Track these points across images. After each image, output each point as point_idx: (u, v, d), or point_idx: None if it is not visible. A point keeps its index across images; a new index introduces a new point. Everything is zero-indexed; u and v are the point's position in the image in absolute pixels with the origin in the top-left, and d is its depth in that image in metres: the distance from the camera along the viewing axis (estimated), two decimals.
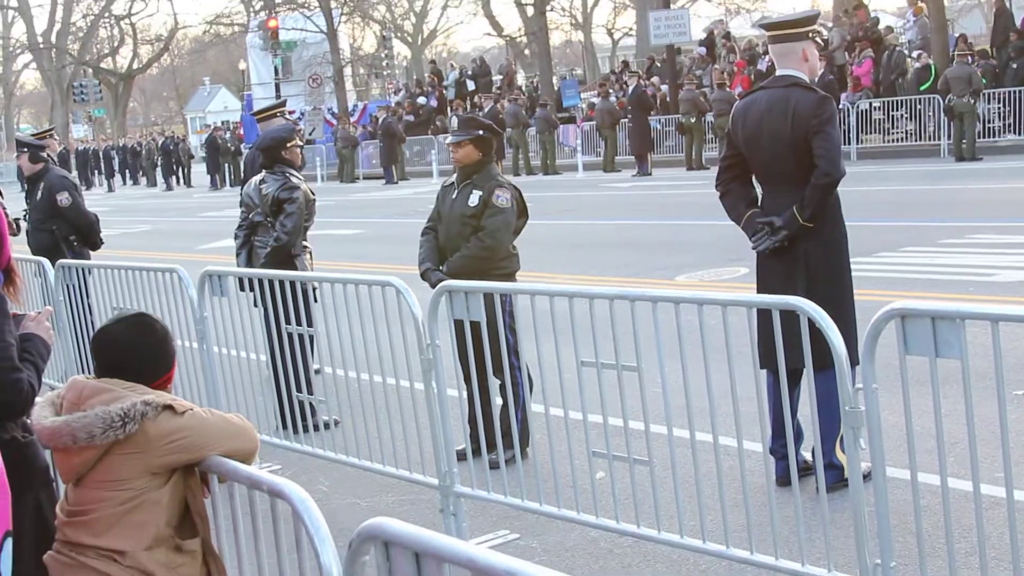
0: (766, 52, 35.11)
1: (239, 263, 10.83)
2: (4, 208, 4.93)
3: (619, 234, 21.80)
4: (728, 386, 5.90)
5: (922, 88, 32.49)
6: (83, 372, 9.42)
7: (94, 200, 44.09)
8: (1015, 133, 31.54)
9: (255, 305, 9.12)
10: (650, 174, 35.64)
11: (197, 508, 4.51)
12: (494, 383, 7.87)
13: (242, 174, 13.21)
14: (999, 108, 31.95)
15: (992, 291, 12.71)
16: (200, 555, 4.50)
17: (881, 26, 38.06)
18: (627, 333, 6.20)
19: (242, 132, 55.88)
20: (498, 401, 8.06)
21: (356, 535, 3.25)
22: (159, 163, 61.00)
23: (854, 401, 5.35)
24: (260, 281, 8.72)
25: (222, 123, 64.17)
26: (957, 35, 35.45)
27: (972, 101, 30.01)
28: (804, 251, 7.62)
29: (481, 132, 8.96)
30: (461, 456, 7.81)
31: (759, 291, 7.70)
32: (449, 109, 47.49)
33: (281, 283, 8.36)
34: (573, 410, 6.79)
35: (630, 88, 39.35)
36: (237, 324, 9.03)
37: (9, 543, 3.88)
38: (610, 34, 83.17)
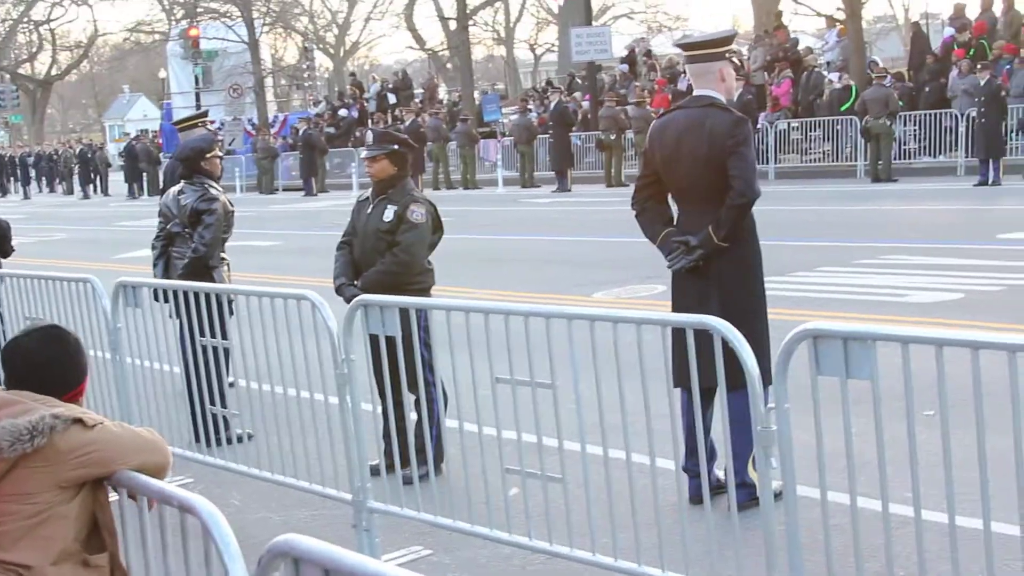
0: (685, 71, 35.34)
1: (156, 273, 10.75)
2: None
3: (537, 250, 21.84)
4: (642, 404, 5.92)
5: (843, 109, 32.80)
6: None
7: (9, 207, 43.71)
8: (930, 155, 31.91)
9: (171, 316, 9.05)
10: (570, 190, 35.76)
11: (106, 523, 4.47)
12: (409, 398, 7.85)
13: (161, 184, 13.13)
14: (915, 130, 32.32)
15: (904, 311, 12.85)
16: (108, 570, 4.47)
17: (800, 47, 38.40)
18: (542, 350, 6.21)
19: (161, 141, 55.50)
20: (413, 416, 8.05)
21: (266, 551, 3.23)
22: (76, 171, 60.43)
23: (766, 421, 5.38)
24: (175, 293, 8.66)
25: (141, 132, 63.69)
26: (871, 59, 35.92)
27: (888, 123, 30.35)
28: (719, 270, 7.67)
29: (396, 147, 8.93)
30: (375, 471, 7.79)
31: (674, 309, 7.75)
32: (370, 121, 47.42)
33: (196, 295, 8.31)
34: (488, 426, 6.79)
35: (552, 104, 39.47)
36: (151, 335, 8.96)
37: None
38: (532, 50, 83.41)
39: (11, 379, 4.52)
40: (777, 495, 5.74)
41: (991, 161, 27.33)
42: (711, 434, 6.60)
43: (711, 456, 6.31)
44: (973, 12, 34.50)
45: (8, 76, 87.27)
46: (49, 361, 4.52)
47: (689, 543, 5.84)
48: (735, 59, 8.11)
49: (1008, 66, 30.69)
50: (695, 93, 7.99)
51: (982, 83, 28.06)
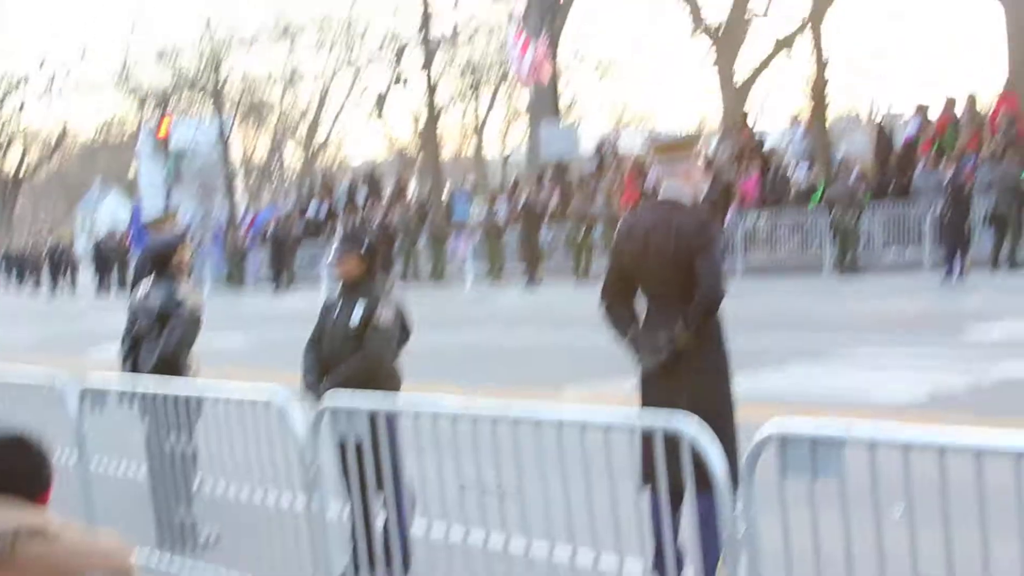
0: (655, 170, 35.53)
1: (124, 370, 10.70)
2: None
3: (507, 344, 21.86)
4: (609, 506, 5.91)
5: (811, 205, 33.06)
6: None
7: None
8: (899, 243, 32.11)
9: (142, 418, 8.99)
10: (539, 283, 35.84)
11: None
12: (378, 499, 7.82)
13: (130, 280, 13.12)
14: (884, 222, 32.53)
15: (872, 408, 12.86)
16: None
17: (766, 147, 38.72)
18: (509, 454, 6.20)
19: (129, 241, 55.46)
20: (380, 521, 8.01)
21: None
22: (46, 268, 60.39)
23: (734, 524, 5.38)
24: (143, 395, 8.61)
25: (108, 233, 63.67)
26: (840, 155, 36.25)
27: (855, 217, 30.57)
28: (687, 369, 7.67)
29: (365, 246, 8.94)
30: None
31: (642, 406, 7.75)
32: (342, 218, 47.47)
33: (164, 398, 8.28)
34: (456, 528, 6.76)
35: (520, 200, 39.66)
36: (117, 437, 8.92)
37: None
38: (502, 145, 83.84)
39: None
40: None
41: (957, 255, 27.53)
42: (680, 537, 6.59)
43: (680, 559, 6.29)
44: (936, 113, 34.95)
45: None
46: (14, 468, 4.49)
47: None
48: (701, 159, 8.15)
49: (971, 161, 31.01)
50: (661, 192, 8.04)
51: (946, 179, 28.34)
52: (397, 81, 68.30)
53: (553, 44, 43.22)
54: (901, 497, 4.87)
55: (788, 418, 5.33)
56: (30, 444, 4.61)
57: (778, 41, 43.07)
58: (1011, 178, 28.91)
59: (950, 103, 34.50)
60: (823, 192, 32.44)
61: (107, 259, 53.78)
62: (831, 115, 43.19)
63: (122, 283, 50.17)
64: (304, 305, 32.79)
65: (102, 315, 36.83)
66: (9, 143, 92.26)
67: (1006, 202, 28.58)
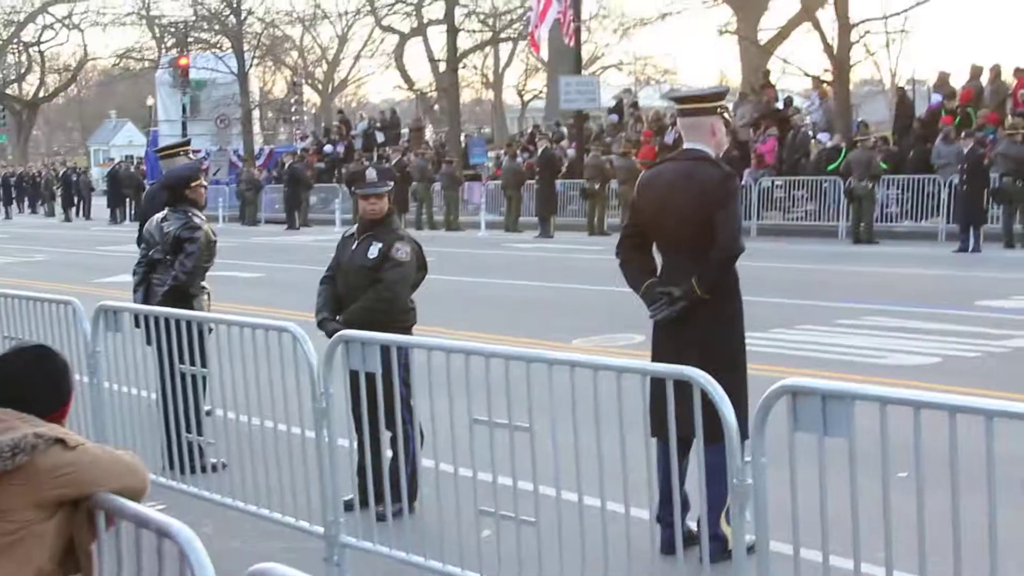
0: (673, 124, 35.46)
1: (136, 299, 10.73)
2: None
3: (518, 294, 21.88)
4: (618, 451, 5.94)
5: (830, 168, 32.94)
6: None
7: None
8: (912, 219, 32.05)
9: (148, 343, 9.05)
10: (552, 237, 35.81)
11: (82, 544, 4.47)
12: (386, 435, 7.85)
13: (143, 209, 13.13)
14: (898, 194, 32.46)
15: (882, 373, 12.88)
16: None
17: (786, 110, 38.54)
18: (521, 393, 6.23)
19: (145, 168, 55.44)
20: (388, 453, 8.05)
21: None
22: (59, 193, 60.36)
23: (742, 475, 5.41)
24: (156, 319, 8.66)
25: (125, 157, 63.66)
26: (859, 120, 36.08)
27: (871, 185, 30.51)
28: (700, 323, 7.70)
29: (392, 184, 9.01)
30: (348, 507, 7.78)
31: (653, 360, 7.77)
32: (363, 160, 47.41)
33: (177, 322, 8.32)
34: (463, 467, 6.80)
35: (538, 150, 39.59)
36: (130, 360, 8.96)
37: None
38: (520, 95, 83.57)
39: None
40: (749, 549, 5.76)
41: (972, 228, 27.47)
42: (686, 485, 6.62)
43: (685, 507, 6.32)
44: (958, 80, 34.70)
45: None
46: (35, 381, 4.54)
47: None
48: (726, 115, 8.16)
49: (992, 135, 30.87)
50: (685, 146, 8.04)
51: (965, 151, 28.23)
52: (418, 26, 68.16)
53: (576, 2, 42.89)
54: (909, 458, 4.89)
55: (801, 373, 5.36)
56: (50, 359, 4.67)
57: (802, 3, 42.79)
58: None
59: (976, 71, 34.22)
60: (843, 158, 32.32)
61: (122, 187, 53.74)
62: (853, 80, 43.04)
63: (136, 211, 50.19)
64: (317, 242, 32.86)
65: (116, 242, 36.89)
66: (28, 69, 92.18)
67: (1013, 178, 28.40)
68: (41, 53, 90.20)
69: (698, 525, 6.44)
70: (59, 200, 60.27)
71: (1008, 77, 33.92)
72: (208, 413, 9.29)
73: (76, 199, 58.93)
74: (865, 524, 5.17)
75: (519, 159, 40.46)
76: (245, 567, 3.34)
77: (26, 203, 66.57)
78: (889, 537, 5.03)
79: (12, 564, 4.32)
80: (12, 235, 43.08)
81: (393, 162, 41.27)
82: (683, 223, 7.76)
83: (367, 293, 8.72)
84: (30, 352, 4.68)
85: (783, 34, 50.92)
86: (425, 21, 67.26)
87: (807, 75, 42.53)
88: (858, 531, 5.11)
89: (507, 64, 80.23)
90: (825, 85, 38.37)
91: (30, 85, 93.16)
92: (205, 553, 3.81)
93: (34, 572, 4.33)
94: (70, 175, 59.92)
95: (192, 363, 8.23)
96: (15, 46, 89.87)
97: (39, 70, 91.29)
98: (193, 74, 59.34)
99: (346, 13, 75.50)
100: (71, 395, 4.68)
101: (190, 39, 64.29)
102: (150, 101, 72.52)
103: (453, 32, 56.07)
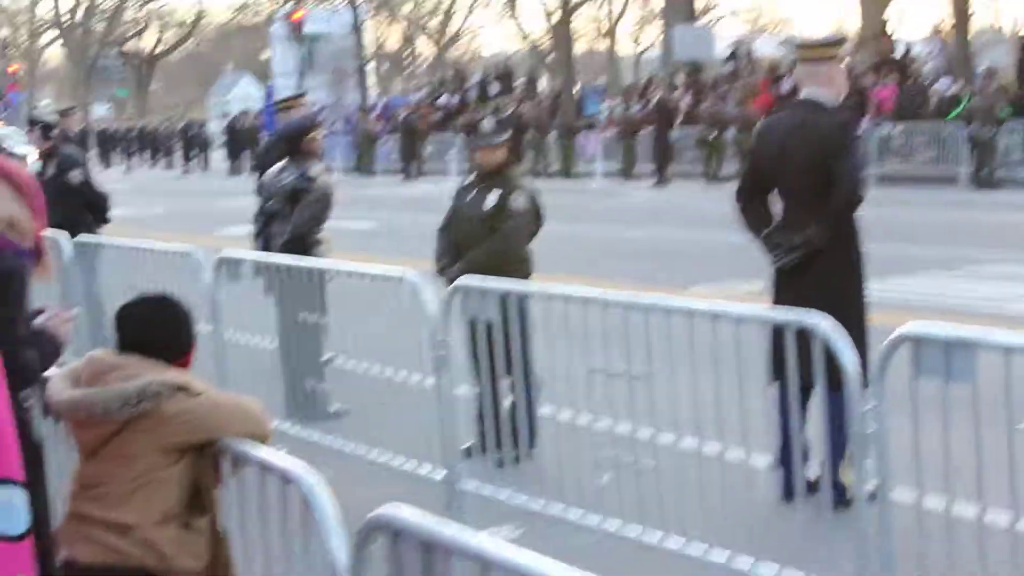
0: (789, 72, 35.10)
1: (256, 247, 10.84)
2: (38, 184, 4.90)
3: (634, 243, 21.81)
4: (738, 399, 5.92)
5: (951, 116, 32.44)
6: (93, 348, 9.44)
7: (112, 179, 44.17)
8: None
9: (267, 292, 9.15)
10: (668, 184, 35.64)
11: (207, 489, 4.53)
12: (504, 382, 7.88)
13: (261, 161, 13.26)
14: (1021, 141, 31.87)
15: (1004, 322, 12.70)
16: (208, 534, 4.53)
17: (905, 57, 37.99)
18: (639, 341, 6.22)
19: (262, 121, 55.89)
20: (507, 400, 8.08)
21: (366, 523, 3.28)
22: (178, 146, 61.09)
23: (863, 422, 5.37)
24: (275, 268, 8.74)
25: (243, 111, 64.18)
26: (983, 67, 35.44)
27: (994, 132, 30.00)
28: (820, 270, 7.63)
29: (509, 134, 9.00)
30: (468, 453, 7.83)
31: (774, 304, 7.72)
32: (479, 111, 47.42)
33: (296, 271, 8.40)
34: (582, 414, 6.81)
35: (653, 100, 39.39)
36: (250, 309, 9.07)
37: (17, 492, 3.70)
38: (635, 44, 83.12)
39: (122, 344, 4.60)
40: (871, 497, 5.73)
41: None
42: (805, 432, 6.59)
43: (805, 454, 6.29)
44: None
45: (115, 51, 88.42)
46: (159, 328, 4.60)
47: (780, 539, 5.83)
48: (844, 63, 8.06)
49: None
50: (803, 94, 7.96)
51: None
52: None
53: None
54: None
55: (923, 320, 5.30)
56: (172, 307, 4.72)
57: None
58: None
59: None
60: (965, 104, 31.79)
61: (240, 139, 54.24)
62: (973, 28, 42.26)
63: (254, 163, 50.62)
64: (434, 193, 32.98)
65: (234, 194, 37.29)
66: (146, 24, 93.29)
67: None
68: (159, 9, 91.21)
69: (819, 473, 6.40)
70: (178, 153, 60.98)
71: None
72: (328, 361, 9.38)
73: (195, 152, 59.56)
74: (989, 472, 5.11)
75: (633, 108, 40.25)
76: (367, 513, 3.37)
77: (146, 157, 67.38)
78: (1014, 484, 4.97)
79: (140, 506, 4.39)
80: (133, 188, 43.63)
81: (508, 113, 41.25)
82: (802, 171, 7.69)
83: (484, 243, 8.73)
84: (153, 301, 4.74)
85: None
86: None
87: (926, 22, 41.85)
88: (982, 479, 5.05)
89: (621, 14, 79.82)
90: (945, 31, 37.74)
91: (148, 41, 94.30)
92: (329, 498, 3.85)
93: (161, 515, 4.40)
94: (189, 129, 60.55)
95: (312, 312, 8.30)
96: (133, 2, 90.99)
97: (157, 26, 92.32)
98: (308, 27, 59.64)
99: None
100: (194, 343, 4.73)
101: None
102: (266, 55, 73.05)
103: None
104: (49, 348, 4.76)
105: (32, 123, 13.21)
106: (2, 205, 4.62)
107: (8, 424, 3.65)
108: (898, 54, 37.47)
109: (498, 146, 8.88)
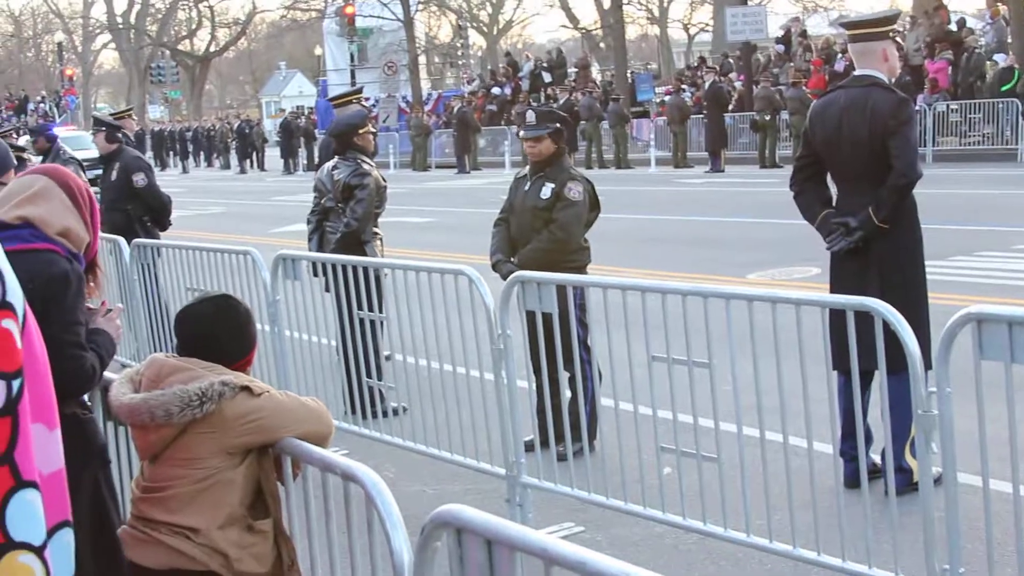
0: (843, 51, 34.89)
1: (310, 248, 10.88)
2: (94, 196, 4.94)
3: (691, 230, 21.74)
4: (799, 386, 5.88)
5: (1004, 89, 32.15)
6: (153, 351, 9.51)
7: (168, 181, 44.42)
8: None
9: (326, 290, 9.17)
10: (723, 171, 35.51)
11: (270, 489, 4.55)
12: (564, 375, 7.86)
13: (316, 160, 13.31)
14: None
15: None
16: (272, 535, 4.55)
17: (960, 33, 37.64)
18: (699, 329, 6.20)
19: (316, 118, 56.07)
20: (567, 393, 8.07)
21: (429, 521, 3.27)
22: (233, 146, 61.40)
23: (927, 405, 5.32)
24: (332, 266, 8.76)
25: (297, 108, 64.44)
26: None
27: None
28: (879, 253, 7.58)
29: (556, 125, 8.94)
30: (529, 447, 7.82)
31: (832, 292, 7.67)
32: (528, 101, 47.44)
33: (353, 268, 8.41)
34: (642, 405, 6.78)
35: (706, 84, 39.23)
36: (308, 308, 9.09)
37: (68, 534, 3.67)
38: (686, 29, 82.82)
39: (183, 346, 4.62)
40: (936, 481, 5.68)
41: None
42: (868, 418, 6.55)
43: (868, 440, 6.24)
44: None
45: (168, 52, 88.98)
46: (220, 330, 4.61)
47: (845, 527, 5.79)
48: (898, 39, 7.99)
49: None
50: (857, 73, 7.91)
51: None
52: None
53: None
54: None
55: (982, 302, 5.24)
56: (233, 308, 4.74)
57: None
58: None
59: None
60: (1019, 78, 31.49)
61: (294, 137, 54.50)
62: None
63: (309, 161, 50.80)
64: (488, 185, 32.99)
65: (290, 192, 37.43)
66: (199, 24, 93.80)
67: None
68: (211, 8, 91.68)
69: (883, 457, 6.35)
70: (234, 153, 61.29)
71: None
72: (387, 358, 9.39)
73: (250, 151, 59.83)
74: None
75: (684, 94, 40.12)
76: (429, 510, 3.36)
77: (202, 157, 67.72)
78: None
79: (204, 509, 4.41)
80: (189, 188, 43.89)
81: (561, 101, 41.20)
82: (858, 151, 7.63)
83: (541, 234, 8.72)
84: (214, 302, 4.75)
85: None
86: None
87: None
88: None
89: None
90: (998, 4, 37.37)
91: (201, 40, 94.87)
92: (391, 497, 3.85)
93: (225, 517, 4.42)
94: (243, 127, 60.82)
95: (370, 309, 8.32)
96: (186, 3, 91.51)
97: (209, 25, 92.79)
98: (359, 22, 59.74)
99: None
100: (255, 343, 4.75)
101: None
102: (318, 51, 73.29)
103: None
104: (107, 349, 4.80)
105: (97, 125, 13.25)
106: (58, 215, 4.66)
107: (27, 417, 3.39)
108: (952, 28, 37.11)
109: (542, 137, 8.85)
